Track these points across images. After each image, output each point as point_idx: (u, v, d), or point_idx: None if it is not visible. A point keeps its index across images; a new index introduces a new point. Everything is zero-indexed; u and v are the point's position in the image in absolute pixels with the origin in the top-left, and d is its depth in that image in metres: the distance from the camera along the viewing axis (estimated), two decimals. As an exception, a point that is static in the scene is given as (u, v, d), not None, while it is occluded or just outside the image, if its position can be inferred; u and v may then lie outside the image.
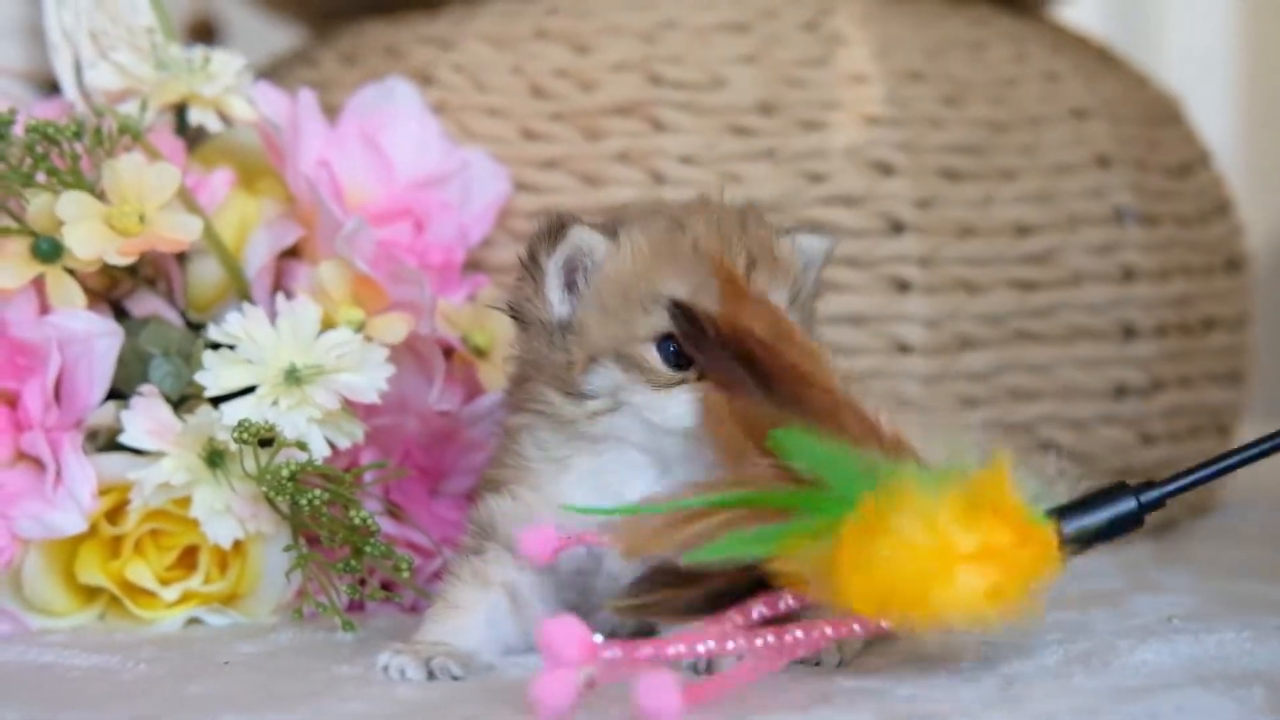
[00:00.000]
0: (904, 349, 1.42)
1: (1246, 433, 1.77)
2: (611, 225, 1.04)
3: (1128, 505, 1.00)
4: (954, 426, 1.01)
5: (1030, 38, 1.60)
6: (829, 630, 0.93)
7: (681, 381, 1.01)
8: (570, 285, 1.04)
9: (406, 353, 1.24)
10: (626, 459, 1.04)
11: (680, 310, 0.99)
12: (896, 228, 1.43)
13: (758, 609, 0.93)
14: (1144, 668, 1.01)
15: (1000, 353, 1.45)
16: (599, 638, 0.87)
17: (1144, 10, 3.07)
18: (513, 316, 1.08)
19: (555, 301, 1.04)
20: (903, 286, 1.43)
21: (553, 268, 1.04)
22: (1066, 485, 0.99)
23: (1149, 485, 1.01)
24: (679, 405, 1.01)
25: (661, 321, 1.01)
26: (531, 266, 1.05)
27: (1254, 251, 1.73)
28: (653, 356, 1.01)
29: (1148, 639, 1.08)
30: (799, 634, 0.92)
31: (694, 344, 0.99)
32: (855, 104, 1.45)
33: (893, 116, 1.45)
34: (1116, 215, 1.52)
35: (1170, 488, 1.01)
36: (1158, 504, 1.01)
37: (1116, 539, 1.00)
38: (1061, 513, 0.98)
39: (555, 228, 1.04)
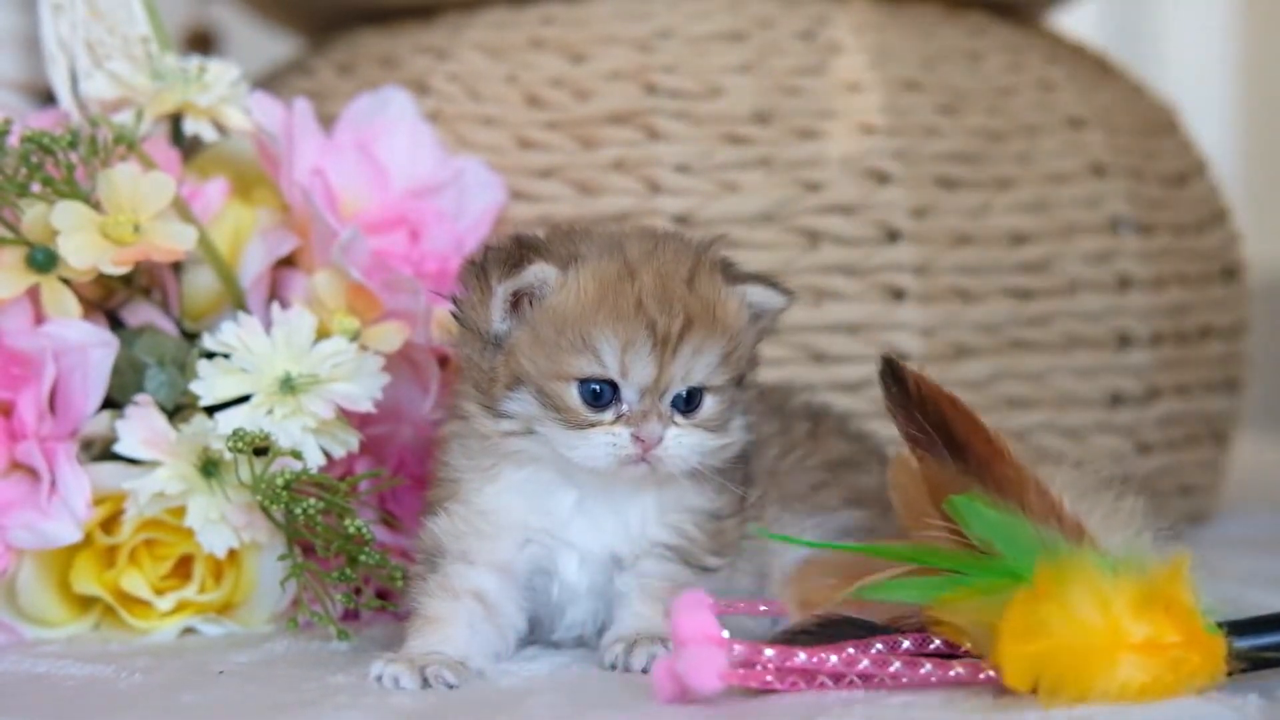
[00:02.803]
0: (899, 357, 1.42)
1: (1242, 441, 1.77)
2: (568, 257, 1.04)
3: None
4: (1134, 518, 0.99)
5: (1026, 47, 1.60)
6: (960, 671, 0.94)
7: (595, 424, 1.02)
8: (515, 305, 1.05)
9: (401, 362, 1.23)
10: (546, 475, 1.06)
11: (889, 367, 1.02)
12: (892, 236, 1.43)
13: (906, 643, 0.96)
14: (1140, 676, 1.00)
15: (996, 361, 1.45)
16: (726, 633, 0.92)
17: (1142, 20, 3.08)
18: (455, 316, 1.09)
19: (496, 319, 1.05)
20: (898, 295, 1.43)
21: (501, 292, 1.04)
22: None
23: None
24: (591, 446, 1.02)
25: (587, 364, 1.02)
26: (481, 279, 1.05)
27: (1250, 260, 1.73)
28: (572, 396, 1.02)
29: (1143, 647, 1.08)
30: (929, 667, 0.94)
31: (895, 401, 1.01)
32: (851, 113, 1.46)
33: (889, 125, 1.46)
34: (1112, 224, 1.52)
35: None
36: None
37: None
38: (1234, 627, 0.95)
39: (516, 257, 1.04)
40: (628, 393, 1.02)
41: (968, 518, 0.95)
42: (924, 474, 0.99)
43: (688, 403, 1.04)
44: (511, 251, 1.05)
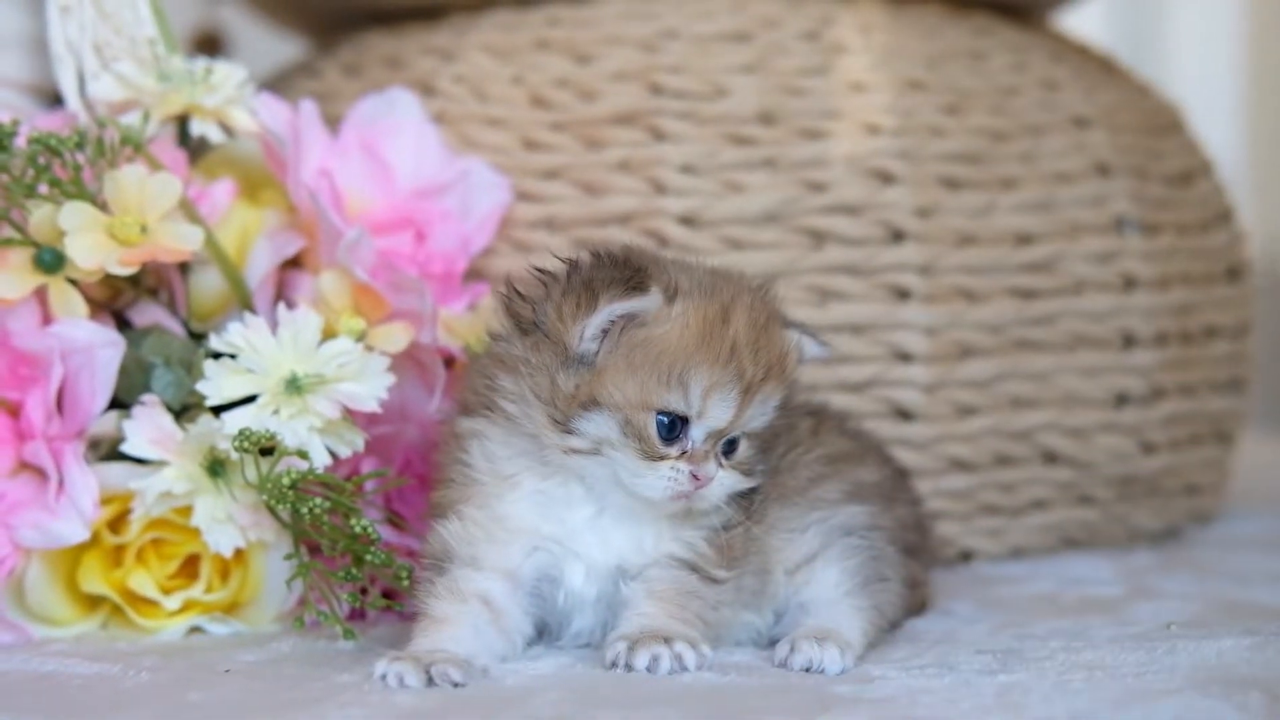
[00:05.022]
0: (904, 357, 1.43)
1: (1247, 440, 1.78)
2: (673, 288, 1.04)
3: None
4: None
5: (1031, 47, 1.60)
6: None
7: (664, 457, 1.03)
8: (608, 327, 1.03)
9: (407, 362, 1.24)
10: (570, 488, 1.06)
11: None
12: (897, 236, 1.43)
13: None
14: (1143, 674, 1.01)
15: (1000, 361, 1.46)
16: None
17: (1147, 20, 3.07)
18: (513, 315, 1.07)
19: (588, 336, 1.03)
20: (903, 295, 1.43)
21: (609, 312, 1.02)
22: None
23: None
24: (657, 478, 1.03)
25: (674, 400, 1.02)
26: (583, 292, 1.03)
27: (1255, 259, 1.73)
28: (652, 428, 1.03)
29: (1147, 646, 1.08)
30: None
31: None
32: (856, 113, 1.46)
33: (893, 125, 1.46)
34: (1117, 224, 1.52)
35: None
36: None
37: None
38: None
39: (636, 279, 1.02)
40: (696, 432, 1.03)
41: None
42: None
43: (728, 445, 1.06)
44: (628, 272, 1.03)
